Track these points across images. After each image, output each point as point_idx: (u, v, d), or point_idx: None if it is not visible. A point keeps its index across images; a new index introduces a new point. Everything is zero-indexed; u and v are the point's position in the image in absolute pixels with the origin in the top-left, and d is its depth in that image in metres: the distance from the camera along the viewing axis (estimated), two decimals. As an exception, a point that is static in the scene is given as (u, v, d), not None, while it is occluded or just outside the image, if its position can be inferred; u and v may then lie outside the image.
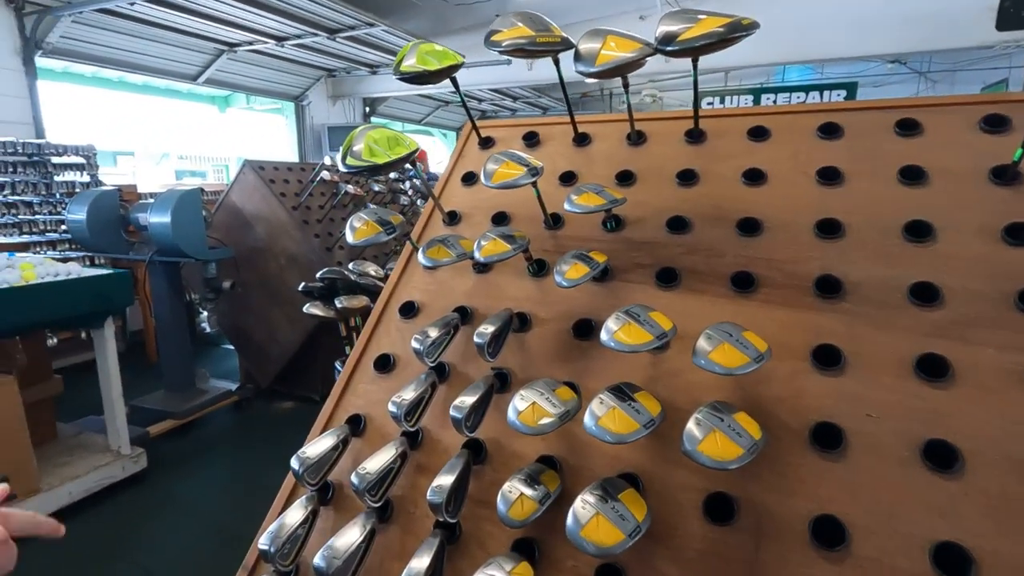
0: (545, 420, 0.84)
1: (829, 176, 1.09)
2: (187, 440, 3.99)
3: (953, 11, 5.86)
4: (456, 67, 1.20)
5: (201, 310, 5.04)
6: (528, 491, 0.85)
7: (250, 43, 7.58)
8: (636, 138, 1.31)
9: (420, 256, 1.12)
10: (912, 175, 1.03)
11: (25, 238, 5.00)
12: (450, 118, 14.23)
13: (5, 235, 4.92)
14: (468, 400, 0.95)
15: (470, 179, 1.43)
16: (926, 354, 0.85)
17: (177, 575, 2.68)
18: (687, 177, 1.20)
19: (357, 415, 1.15)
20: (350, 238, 1.12)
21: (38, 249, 5.04)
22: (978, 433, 0.78)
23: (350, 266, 1.98)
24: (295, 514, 0.99)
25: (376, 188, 4.67)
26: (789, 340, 0.93)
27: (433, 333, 1.08)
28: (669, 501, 0.85)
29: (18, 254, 3.41)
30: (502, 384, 1.07)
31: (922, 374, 0.84)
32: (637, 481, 0.88)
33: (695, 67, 1.11)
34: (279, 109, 10.23)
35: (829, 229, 1.03)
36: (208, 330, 4.89)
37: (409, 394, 1.03)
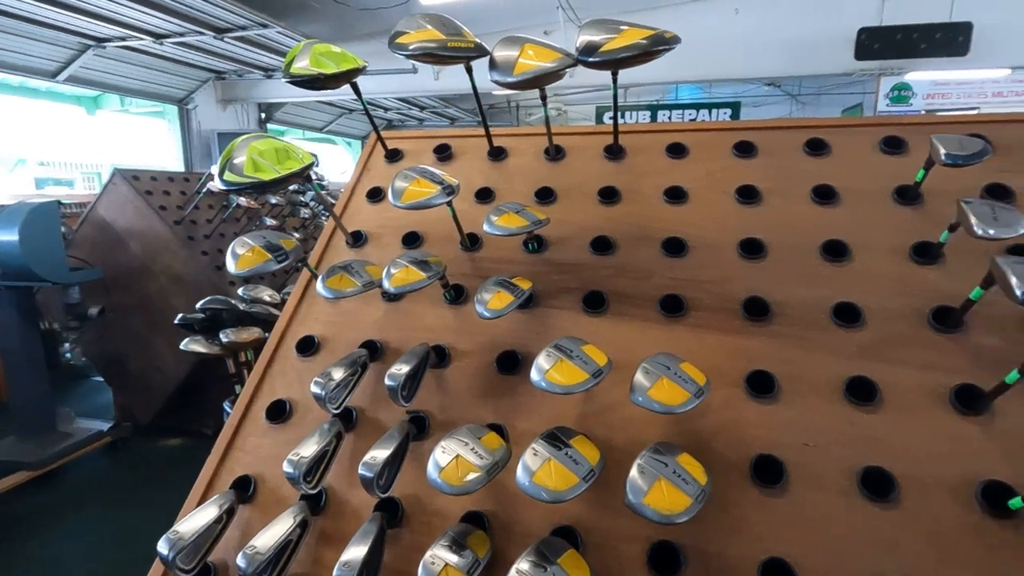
0: (472, 476, 0.74)
1: (747, 195, 1.08)
2: (47, 494, 3.41)
3: (820, 41, 6.63)
4: (356, 72, 1.07)
5: (63, 339, 4.39)
6: (454, 559, 0.74)
7: (122, 39, 6.82)
8: (555, 153, 1.24)
9: (319, 286, 0.97)
10: (824, 194, 1.05)
11: None
12: (355, 126, 13.73)
13: None
14: (380, 455, 0.82)
15: (376, 195, 1.30)
16: (854, 377, 0.84)
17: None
18: (609, 195, 1.15)
19: (246, 476, 0.97)
20: (232, 267, 0.94)
21: None
22: (908, 457, 0.77)
23: (240, 291, 1.75)
24: (164, 611, 0.80)
25: (273, 201, 4.32)
26: (721, 365, 0.89)
27: (337, 374, 0.94)
28: (612, 555, 0.77)
29: None
30: (419, 430, 0.94)
31: (852, 398, 0.82)
32: (576, 536, 0.79)
33: (615, 80, 1.06)
34: (160, 112, 9.31)
35: (752, 249, 1.01)
36: (72, 361, 4.27)
37: (309, 449, 0.88)
